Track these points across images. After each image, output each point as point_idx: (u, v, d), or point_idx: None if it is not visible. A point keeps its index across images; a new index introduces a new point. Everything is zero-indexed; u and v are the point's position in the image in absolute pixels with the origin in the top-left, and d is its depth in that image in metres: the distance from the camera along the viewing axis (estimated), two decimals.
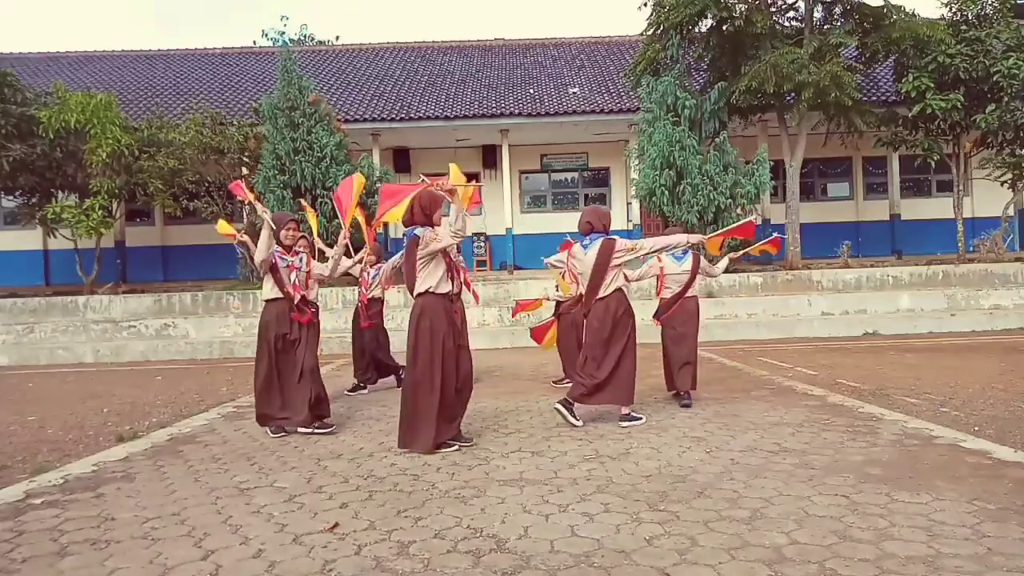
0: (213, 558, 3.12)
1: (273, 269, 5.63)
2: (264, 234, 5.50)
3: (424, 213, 4.90)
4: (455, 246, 4.94)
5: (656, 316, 6.82)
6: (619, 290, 5.62)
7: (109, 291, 14.69)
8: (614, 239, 5.59)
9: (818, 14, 15.77)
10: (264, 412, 5.65)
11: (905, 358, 9.22)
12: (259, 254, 5.55)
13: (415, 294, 4.95)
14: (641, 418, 5.64)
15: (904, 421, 5.42)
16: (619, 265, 5.59)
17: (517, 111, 17.69)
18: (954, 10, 15.26)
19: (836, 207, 19.94)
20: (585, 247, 5.68)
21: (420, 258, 4.86)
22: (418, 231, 4.88)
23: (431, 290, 4.89)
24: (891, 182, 18.91)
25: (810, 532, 3.21)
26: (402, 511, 3.67)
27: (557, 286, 7.77)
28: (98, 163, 13.95)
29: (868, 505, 3.54)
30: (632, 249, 5.61)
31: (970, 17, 15.05)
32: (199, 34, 65.15)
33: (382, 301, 7.88)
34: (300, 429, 5.62)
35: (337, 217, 13.77)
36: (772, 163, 14.69)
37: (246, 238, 6.78)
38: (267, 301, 5.71)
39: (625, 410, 5.63)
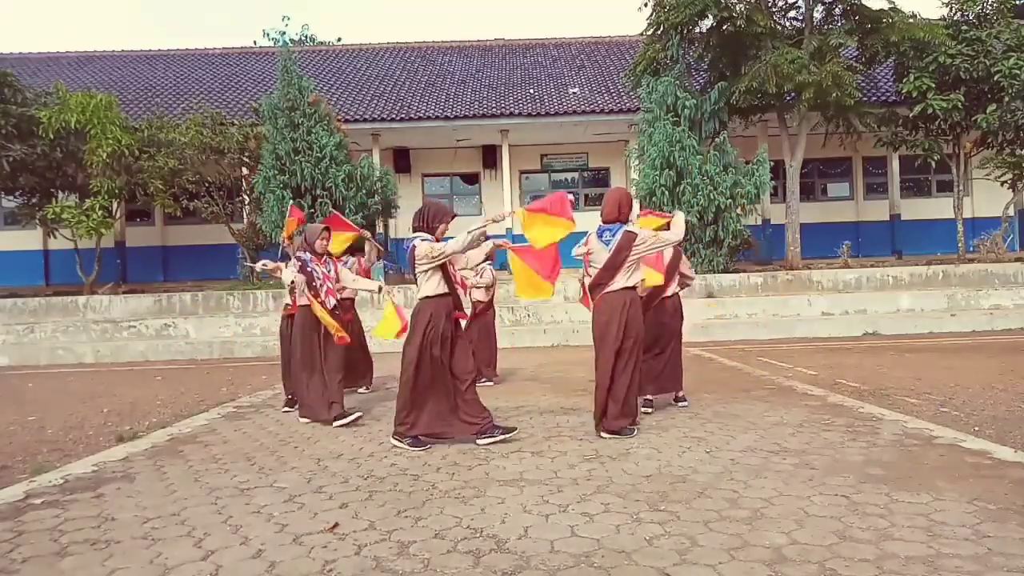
0: (213, 558, 3.12)
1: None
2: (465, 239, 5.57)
3: (627, 209, 5.19)
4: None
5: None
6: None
7: (109, 291, 14.69)
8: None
9: (818, 14, 15.77)
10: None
11: (905, 358, 9.22)
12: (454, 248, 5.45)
13: (617, 288, 5.09)
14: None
15: (904, 421, 5.42)
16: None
17: (517, 111, 17.68)
18: (954, 10, 15.27)
19: (836, 207, 19.94)
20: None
21: (634, 255, 5.06)
22: (632, 228, 5.13)
23: (624, 286, 5.12)
24: (891, 182, 18.91)
25: (810, 532, 3.21)
26: (402, 511, 3.67)
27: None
28: (98, 163, 13.95)
29: (868, 505, 3.54)
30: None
31: (970, 17, 15.07)
32: (199, 34, 65.18)
33: (352, 300, 7.30)
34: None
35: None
36: (772, 163, 14.68)
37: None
38: (427, 298, 5.19)
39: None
